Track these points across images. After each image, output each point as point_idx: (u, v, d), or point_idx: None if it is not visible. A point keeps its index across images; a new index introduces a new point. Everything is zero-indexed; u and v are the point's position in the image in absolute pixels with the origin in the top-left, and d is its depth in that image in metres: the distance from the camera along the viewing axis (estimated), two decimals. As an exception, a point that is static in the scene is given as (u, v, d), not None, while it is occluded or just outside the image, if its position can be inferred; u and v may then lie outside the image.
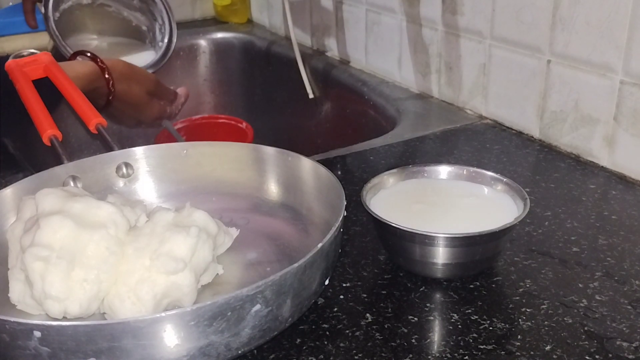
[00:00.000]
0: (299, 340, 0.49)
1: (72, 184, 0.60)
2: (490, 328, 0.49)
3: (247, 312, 0.42)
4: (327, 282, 0.50)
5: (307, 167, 0.60)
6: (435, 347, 0.48)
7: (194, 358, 0.42)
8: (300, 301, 0.46)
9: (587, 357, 0.46)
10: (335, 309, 0.52)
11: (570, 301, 0.52)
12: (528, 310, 0.51)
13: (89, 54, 0.88)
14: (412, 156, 0.81)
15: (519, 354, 0.47)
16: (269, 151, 0.62)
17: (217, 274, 0.53)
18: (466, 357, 0.47)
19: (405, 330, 0.49)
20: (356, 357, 0.47)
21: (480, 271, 0.56)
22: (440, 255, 0.53)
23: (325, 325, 0.50)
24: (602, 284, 0.54)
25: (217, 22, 1.50)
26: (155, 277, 0.47)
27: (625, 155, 0.72)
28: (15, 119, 0.78)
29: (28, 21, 1.07)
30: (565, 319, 0.50)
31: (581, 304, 0.52)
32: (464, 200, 0.59)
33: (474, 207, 0.58)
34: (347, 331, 0.49)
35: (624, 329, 0.49)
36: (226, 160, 0.64)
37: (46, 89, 0.76)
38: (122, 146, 0.64)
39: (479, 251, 0.53)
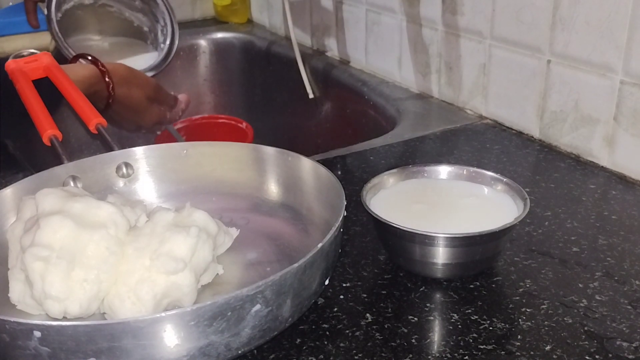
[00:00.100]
0: (299, 340, 0.49)
1: (72, 184, 0.60)
2: (490, 328, 0.49)
3: (247, 312, 0.42)
4: (327, 282, 0.50)
5: (307, 167, 0.60)
6: (435, 347, 0.48)
7: (194, 358, 0.42)
8: (300, 301, 0.46)
9: (587, 357, 0.46)
10: (335, 309, 0.52)
11: (570, 301, 0.52)
12: (528, 310, 0.51)
13: (90, 57, 0.88)
14: (412, 156, 0.81)
15: (519, 354, 0.47)
16: (269, 151, 0.62)
17: (217, 274, 0.53)
18: (466, 357, 0.47)
19: (405, 330, 0.49)
20: (356, 357, 0.47)
21: (480, 271, 0.56)
22: (440, 255, 0.53)
23: (325, 325, 0.50)
24: (602, 284, 0.54)
25: (217, 22, 1.50)
26: (155, 277, 0.47)
27: (625, 155, 0.72)
28: (15, 119, 0.78)
29: (30, 21, 1.07)
30: (565, 319, 0.50)
31: (581, 304, 0.52)
32: (464, 200, 0.59)
33: (474, 207, 0.58)
34: (347, 331, 0.49)
35: (624, 329, 0.49)
36: (226, 160, 0.64)
37: (46, 89, 0.76)
38: (122, 146, 0.64)
39: (479, 251, 0.53)
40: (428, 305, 0.52)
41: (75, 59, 0.91)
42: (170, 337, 0.40)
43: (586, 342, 0.48)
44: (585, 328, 0.49)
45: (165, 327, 0.40)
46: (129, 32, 1.16)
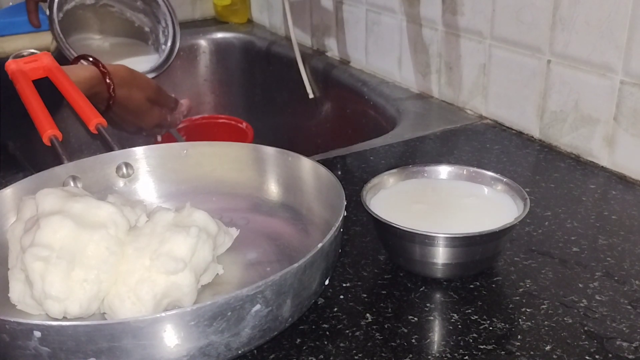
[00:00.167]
0: (299, 340, 0.49)
1: (72, 184, 0.60)
2: (490, 328, 0.49)
3: (247, 312, 0.42)
4: (327, 282, 0.50)
5: (307, 167, 0.60)
6: (435, 347, 0.48)
7: (194, 358, 0.42)
8: (300, 301, 0.46)
9: (587, 357, 0.46)
10: (335, 309, 0.52)
11: (570, 301, 0.52)
12: (528, 310, 0.51)
13: (91, 59, 0.88)
14: (412, 156, 0.81)
15: (519, 354, 0.47)
16: (269, 151, 0.62)
17: (217, 274, 0.53)
18: (466, 357, 0.47)
19: (405, 330, 0.49)
20: (356, 357, 0.47)
21: (480, 271, 0.56)
22: (440, 255, 0.53)
23: (325, 325, 0.50)
24: (602, 284, 0.54)
25: (217, 22, 1.50)
26: (155, 277, 0.47)
27: (625, 155, 0.72)
28: (15, 119, 0.78)
29: (31, 20, 1.07)
30: (565, 319, 0.50)
31: (581, 304, 0.52)
32: (464, 200, 0.59)
33: (474, 207, 0.58)
34: (347, 331, 0.49)
35: (624, 329, 0.49)
36: (226, 160, 0.64)
37: (46, 89, 0.76)
38: (122, 146, 0.64)
39: (479, 251, 0.53)
40: (428, 305, 0.52)
41: (77, 60, 0.91)
42: (170, 337, 0.40)
43: (586, 342, 0.48)
44: (585, 328, 0.49)
45: (165, 327, 0.40)
46: (130, 33, 1.16)
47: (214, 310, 0.40)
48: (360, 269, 0.57)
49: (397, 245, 0.55)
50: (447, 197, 0.59)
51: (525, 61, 0.82)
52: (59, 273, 0.46)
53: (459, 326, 0.50)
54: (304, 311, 0.50)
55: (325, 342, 0.48)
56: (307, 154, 0.62)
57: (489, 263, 0.56)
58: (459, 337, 0.48)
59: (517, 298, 0.53)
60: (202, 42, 1.39)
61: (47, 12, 1.01)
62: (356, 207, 0.64)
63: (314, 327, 0.50)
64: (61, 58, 0.92)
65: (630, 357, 0.46)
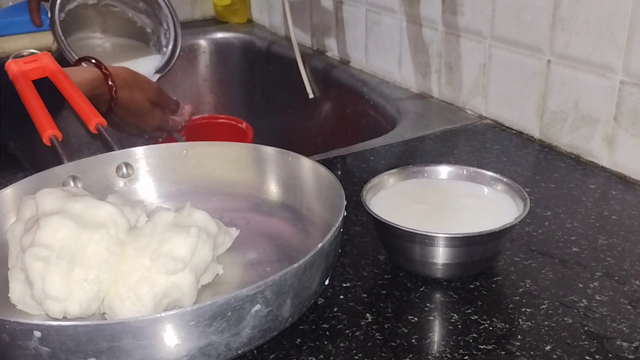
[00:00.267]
0: (299, 340, 0.49)
1: (72, 184, 0.60)
2: (490, 328, 0.49)
3: (247, 312, 0.42)
4: (327, 282, 0.50)
5: (307, 167, 0.60)
6: (435, 347, 0.48)
7: (194, 358, 0.42)
8: (300, 301, 0.46)
9: (587, 357, 0.46)
10: (335, 309, 0.52)
11: (570, 301, 0.52)
12: (528, 310, 0.51)
13: (93, 60, 0.88)
14: (412, 156, 0.81)
15: (519, 354, 0.47)
16: (269, 151, 0.62)
17: (217, 274, 0.53)
18: (466, 357, 0.47)
19: (405, 330, 0.49)
20: (356, 357, 0.47)
21: (480, 271, 0.56)
22: (440, 255, 0.53)
23: (325, 325, 0.50)
24: (602, 284, 0.54)
25: (217, 22, 1.50)
26: (155, 277, 0.47)
27: (625, 155, 0.72)
28: (15, 119, 0.78)
29: (33, 20, 1.07)
30: (565, 319, 0.50)
31: (581, 304, 0.52)
32: (464, 200, 0.59)
33: (474, 207, 0.58)
34: (347, 331, 0.49)
35: (624, 329, 0.49)
36: (226, 160, 0.64)
37: (46, 89, 0.76)
38: (122, 146, 0.64)
39: (479, 251, 0.53)
40: (428, 305, 0.52)
41: (79, 62, 0.91)
42: (170, 337, 0.40)
43: (586, 342, 0.48)
44: (585, 328, 0.49)
45: (165, 327, 0.40)
46: (131, 33, 1.16)
47: (214, 310, 0.40)
48: (360, 269, 0.57)
49: (397, 245, 0.55)
50: (447, 197, 0.59)
51: (525, 61, 0.82)
52: (59, 273, 0.46)
53: (459, 326, 0.50)
54: (304, 311, 0.50)
55: (325, 342, 0.48)
56: (307, 154, 0.62)
57: (489, 263, 0.56)
58: (459, 337, 0.48)
59: (517, 298, 0.53)
60: (202, 42, 1.39)
61: (49, 14, 1.01)
62: (356, 207, 0.64)
63: (314, 327, 0.50)
64: (62, 59, 0.92)
65: (630, 357, 0.46)
